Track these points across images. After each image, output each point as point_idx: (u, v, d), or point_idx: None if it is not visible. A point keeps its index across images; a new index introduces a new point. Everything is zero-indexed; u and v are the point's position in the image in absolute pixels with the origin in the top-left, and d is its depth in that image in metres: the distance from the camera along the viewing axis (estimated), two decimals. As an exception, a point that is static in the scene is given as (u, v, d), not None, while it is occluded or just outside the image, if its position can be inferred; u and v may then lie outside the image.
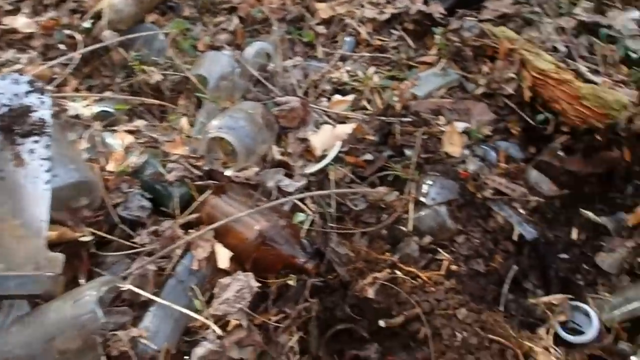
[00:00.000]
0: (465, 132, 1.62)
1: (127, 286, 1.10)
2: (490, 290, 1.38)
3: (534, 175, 1.58)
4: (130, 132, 1.45)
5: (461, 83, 1.75)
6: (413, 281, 1.36)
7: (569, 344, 1.40)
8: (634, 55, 1.79)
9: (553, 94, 1.58)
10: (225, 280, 1.15)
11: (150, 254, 1.22)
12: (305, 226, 1.34)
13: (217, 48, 1.85)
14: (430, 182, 1.46)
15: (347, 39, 1.93)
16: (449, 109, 1.67)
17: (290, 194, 1.36)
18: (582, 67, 1.69)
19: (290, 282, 1.17)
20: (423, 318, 1.25)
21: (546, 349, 1.31)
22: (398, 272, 1.36)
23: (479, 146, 1.63)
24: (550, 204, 1.53)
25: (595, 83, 1.63)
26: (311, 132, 1.54)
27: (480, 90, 1.70)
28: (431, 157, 1.56)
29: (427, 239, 1.43)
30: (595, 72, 1.72)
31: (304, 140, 1.52)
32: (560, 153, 1.55)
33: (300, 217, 1.25)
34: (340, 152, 1.54)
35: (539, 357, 1.22)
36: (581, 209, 1.51)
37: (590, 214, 1.50)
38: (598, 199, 1.57)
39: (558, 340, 1.39)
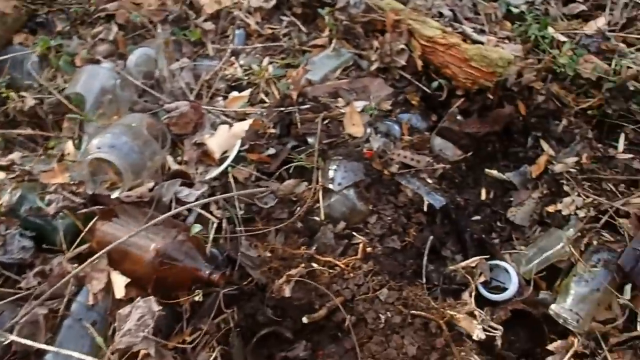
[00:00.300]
0: (366, 110, 1.61)
1: (10, 338, 0.99)
2: (410, 265, 1.36)
3: (437, 142, 1.59)
4: (1, 167, 1.31)
5: (355, 61, 1.72)
6: (331, 271, 1.32)
7: (493, 303, 1.43)
8: (515, 10, 1.83)
9: (443, 60, 1.58)
10: (124, 310, 1.06)
11: (38, 296, 1.11)
12: (211, 234, 1.27)
13: (98, 61, 1.72)
14: (335, 167, 1.42)
15: (237, 31, 1.85)
16: (347, 90, 1.65)
17: (187, 204, 1.29)
18: (468, 29, 1.71)
19: (197, 298, 1.10)
20: (341, 308, 1.22)
21: (470, 313, 1.32)
22: (315, 265, 1.32)
23: (382, 122, 1.62)
24: (456, 168, 1.54)
25: (481, 43, 1.66)
26: (208, 135, 1.46)
27: (374, 66, 1.68)
28: (334, 142, 1.52)
29: (341, 225, 1.40)
30: (481, 31, 1.75)
31: (201, 145, 1.44)
32: (459, 117, 1.57)
33: (196, 228, 1.18)
34: (241, 150, 1.47)
35: (461, 323, 1.23)
36: (486, 169, 1.54)
37: (494, 172, 1.53)
38: (501, 156, 1.60)
39: (483, 301, 1.43)
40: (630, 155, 1.52)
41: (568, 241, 1.33)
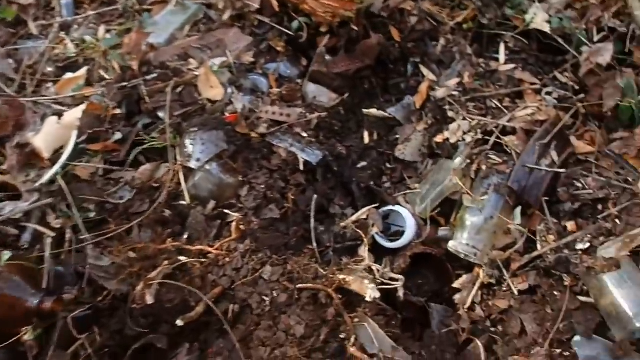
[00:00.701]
0: (223, 67, 1.41)
1: None
2: (294, 233, 1.23)
3: (310, 89, 1.42)
4: None
5: (205, 13, 1.50)
6: (204, 260, 1.17)
7: (394, 251, 1.33)
8: None
9: (299, -5, 1.39)
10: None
11: None
12: (48, 251, 1.07)
13: None
14: (191, 141, 1.24)
15: (63, 0, 1.57)
16: (199, 48, 1.43)
17: (17, 220, 1.08)
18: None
19: (27, 336, 0.92)
20: (212, 306, 1.07)
21: (368, 269, 1.22)
22: (183, 258, 1.16)
23: (246, 77, 1.43)
24: (334, 115, 1.39)
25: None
26: (33, 133, 1.23)
27: (227, 15, 1.47)
28: (190, 111, 1.32)
29: (211, 205, 1.23)
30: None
31: (26, 145, 1.21)
32: (328, 57, 1.40)
33: (5, 255, 0.98)
34: (79, 143, 1.25)
35: (352, 286, 1.12)
36: (364, 110, 1.39)
37: (374, 111, 1.39)
38: (381, 91, 1.46)
39: (384, 251, 1.33)
40: (512, 66, 1.41)
41: (455, 172, 1.23)
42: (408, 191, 1.36)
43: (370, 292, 1.09)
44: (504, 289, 1.24)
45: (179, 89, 1.35)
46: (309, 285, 1.11)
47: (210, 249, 1.15)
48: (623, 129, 1.28)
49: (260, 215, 1.21)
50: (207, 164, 1.21)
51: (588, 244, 1.16)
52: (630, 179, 1.21)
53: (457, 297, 1.27)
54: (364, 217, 1.28)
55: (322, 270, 1.15)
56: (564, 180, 1.23)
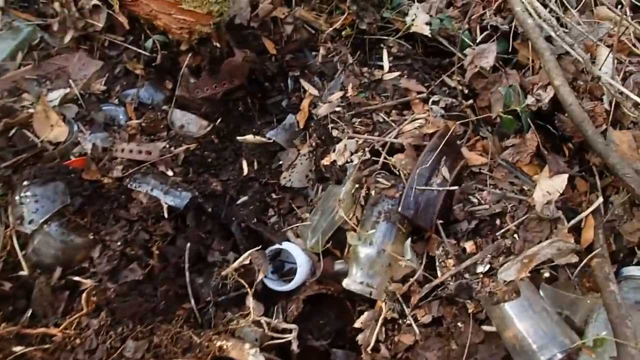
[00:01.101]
0: (68, 100, 1.19)
1: None
2: (163, 294, 1.05)
3: (177, 117, 1.24)
4: None
5: (42, 37, 1.26)
6: (48, 345, 0.97)
7: (287, 293, 1.19)
8: None
9: (149, 10, 1.19)
10: None
11: None
12: None
13: None
14: (22, 198, 1.02)
15: None
16: (34, 79, 1.20)
17: None
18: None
19: None
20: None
21: (256, 322, 1.07)
22: (19, 348, 0.95)
23: (97, 110, 1.21)
24: (206, 145, 1.22)
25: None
26: None
27: (68, 37, 1.24)
28: (25, 158, 1.10)
29: (57, 273, 1.01)
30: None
31: None
32: (192, 80, 1.22)
33: None
34: None
35: (232, 354, 0.96)
36: (238, 137, 1.23)
37: (249, 138, 1.23)
38: (259, 112, 1.30)
39: (278, 294, 1.19)
40: (397, 73, 1.30)
41: (340, 203, 1.10)
42: (298, 224, 1.22)
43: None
44: (408, 322, 1.14)
45: (11, 132, 1.12)
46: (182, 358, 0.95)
47: (54, 331, 0.95)
48: (514, 134, 1.22)
49: (119, 279, 1.01)
50: (45, 225, 1.00)
51: (488, 266, 1.07)
52: (525, 188, 1.15)
53: (360, 337, 1.15)
54: (247, 261, 1.12)
55: (196, 338, 0.98)
56: (459, 196, 1.14)
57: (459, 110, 1.24)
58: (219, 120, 1.23)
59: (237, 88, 1.21)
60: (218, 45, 1.16)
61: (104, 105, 1.22)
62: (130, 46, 1.26)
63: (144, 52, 1.25)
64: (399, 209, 1.09)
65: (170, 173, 1.13)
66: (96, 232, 1.03)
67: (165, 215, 1.07)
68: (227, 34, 1.16)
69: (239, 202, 1.19)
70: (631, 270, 0.95)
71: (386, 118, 1.24)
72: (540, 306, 0.95)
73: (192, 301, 1.07)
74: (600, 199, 1.06)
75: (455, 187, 1.12)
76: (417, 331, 1.10)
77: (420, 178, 1.10)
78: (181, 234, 1.10)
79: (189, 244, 1.09)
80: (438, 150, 1.12)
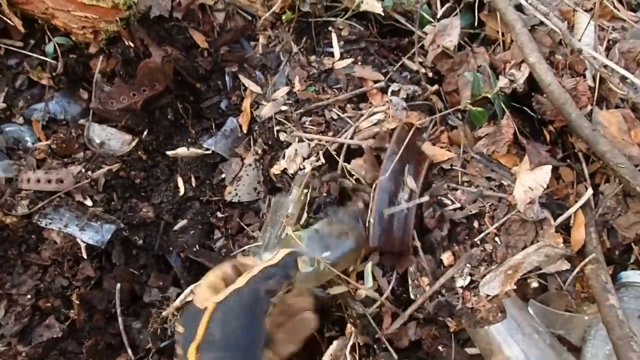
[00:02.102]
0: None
1: None
2: (91, 348, 0.90)
3: (95, 133, 1.06)
4: None
5: None
6: None
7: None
8: None
9: (45, 7, 1.00)
10: None
11: None
12: None
13: None
14: None
15: None
16: None
17: None
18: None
19: None
20: None
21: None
22: None
23: (-2, 133, 1.04)
24: (132, 163, 1.05)
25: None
26: None
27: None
28: None
29: (-45, 340, 0.87)
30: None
31: None
32: (108, 87, 1.04)
33: None
34: None
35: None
36: (168, 152, 1.06)
37: (181, 151, 1.05)
38: (193, 119, 1.13)
39: None
40: (350, 60, 1.15)
41: (288, 220, 0.96)
42: (249, 245, 1.07)
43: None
44: (384, 346, 1.02)
45: None
46: None
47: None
48: (488, 121, 1.08)
49: (32, 340, 0.86)
50: None
51: (469, 278, 0.94)
52: (504, 184, 1.01)
53: (330, 366, 1.02)
54: (190, 298, 0.97)
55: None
56: (429, 201, 1.00)
57: (423, 99, 1.10)
58: (144, 133, 1.06)
59: (162, 93, 1.03)
60: (131, 44, 0.98)
61: (5, 126, 1.04)
62: (31, 53, 1.07)
63: (49, 60, 1.07)
64: (370, 242, 0.95)
65: (89, 203, 0.96)
66: (0, 284, 0.88)
67: (84, 255, 0.91)
68: (141, 31, 0.99)
69: (176, 227, 1.03)
70: (631, 276, 0.82)
71: (341, 114, 1.08)
72: (530, 327, 0.83)
73: (129, 351, 0.93)
74: (590, 191, 0.93)
75: (425, 198, 0.98)
76: (395, 357, 0.98)
77: (384, 195, 0.96)
78: (108, 275, 0.94)
79: (118, 285, 0.94)
80: (398, 158, 0.97)
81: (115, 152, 1.04)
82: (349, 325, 1.04)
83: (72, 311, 0.90)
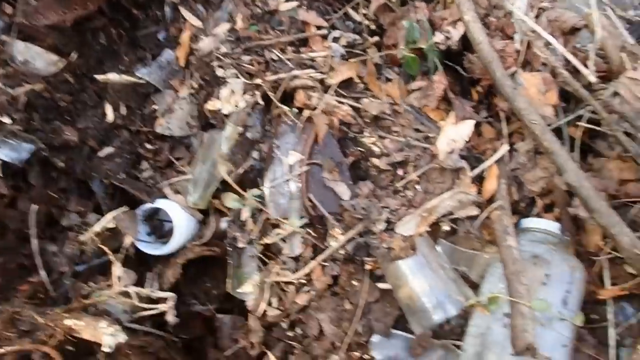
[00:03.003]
0: None
1: None
2: (2, 267, 0.88)
3: (19, 50, 1.01)
4: None
5: None
6: None
7: (165, 258, 1.07)
8: None
9: None
10: None
11: None
12: None
13: None
14: None
15: None
16: None
17: None
18: None
19: None
20: None
21: (124, 293, 0.94)
22: None
23: None
24: (58, 85, 1.02)
25: None
26: None
27: None
28: None
29: None
30: None
31: None
32: (35, 2, 1.00)
33: None
34: None
35: (84, 335, 0.83)
36: (97, 76, 1.03)
37: (112, 76, 1.03)
38: (127, 47, 1.10)
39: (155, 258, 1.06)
40: (295, 3, 1.15)
41: (221, 157, 0.97)
42: (177, 178, 1.08)
43: (108, 341, 0.82)
44: (303, 280, 1.06)
45: None
46: (15, 347, 0.80)
47: None
48: (422, 76, 1.12)
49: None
50: None
51: (385, 224, 1.00)
52: (430, 136, 1.07)
53: (249, 302, 1.06)
54: (112, 224, 0.97)
55: (40, 318, 0.84)
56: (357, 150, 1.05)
57: (362, 49, 1.12)
58: (74, 55, 1.02)
59: (95, 15, 1.00)
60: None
61: None
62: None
63: (-30, -36, 1.01)
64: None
65: (6, 120, 0.93)
66: None
67: (0, 173, 0.89)
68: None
69: (101, 154, 1.02)
70: (530, 222, 0.91)
71: (281, 56, 1.10)
72: (436, 262, 0.90)
73: (43, 273, 0.92)
74: (506, 147, 1.00)
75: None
76: (312, 292, 1.03)
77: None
78: (24, 195, 0.93)
79: (34, 206, 0.93)
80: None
81: (39, 71, 1.00)
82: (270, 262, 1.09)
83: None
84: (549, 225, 0.90)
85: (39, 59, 1.00)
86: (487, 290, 0.86)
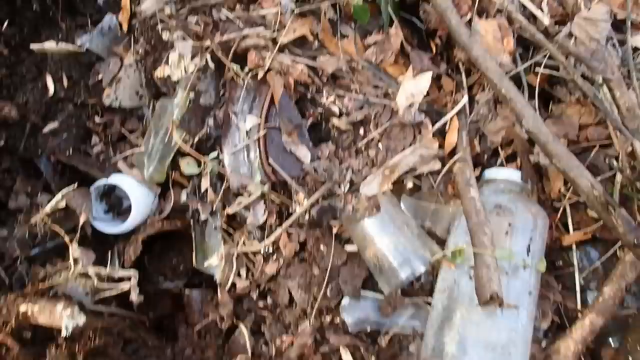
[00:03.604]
0: None
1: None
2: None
3: (-57, 22, 0.95)
4: None
5: None
6: None
7: (126, 236, 1.03)
8: None
9: None
10: None
11: None
12: None
13: None
14: None
15: None
16: None
17: None
18: None
19: None
20: None
21: (81, 274, 0.90)
22: None
23: None
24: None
25: None
26: None
27: None
28: None
29: None
30: None
31: None
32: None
33: None
34: None
35: (40, 320, 0.79)
36: (32, 45, 0.96)
37: (49, 45, 0.95)
38: (65, 13, 1.02)
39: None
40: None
41: (175, 124, 0.93)
42: (130, 151, 1.03)
43: (66, 324, 0.79)
44: (271, 249, 1.05)
45: None
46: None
47: None
48: (378, 30, 1.09)
49: None
50: None
51: (348, 185, 0.98)
52: (390, 92, 1.04)
53: (217, 275, 1.04)
54: (59, 207, 0.93)
55: (-10, 302, 0.80)
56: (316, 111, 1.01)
57: (316, 5, 1.08)
58: (4, 24, 0.95)
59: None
60: None
61: None
62: None
63: None
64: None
65: None
66: None
67: None
68: None
69: (45, 130, 0.96)
70: (493, 173, 0.90)
71: (229, 15, 1.04)
72: (401, 220, 0.89)
73: (-4, 268, 0.88)
74: (465, 98, 0.99)
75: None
76: (281, 260, 1.02)
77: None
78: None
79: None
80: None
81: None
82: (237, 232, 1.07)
83: None
84: (510, 174, 0.89)
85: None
86: (453, 244, 0.86)
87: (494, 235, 0.82)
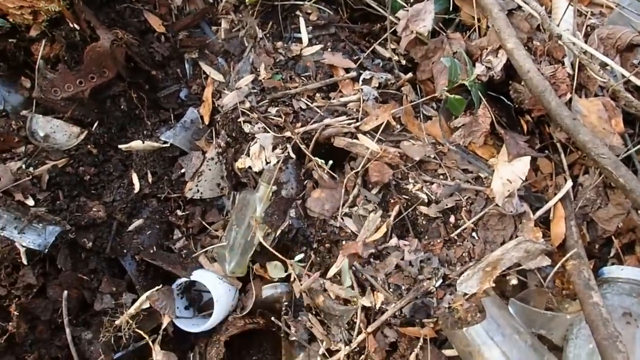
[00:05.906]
0: None
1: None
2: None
3: (39, 125, 0.95)
4: None
5: None
6: None
7: (207, 333, 0.98)
8: None
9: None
10: None
11: None
12: None
13: None
14: None
15: None
16: None
17: None
18: None
19: None
20: None
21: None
22: None
23: None
24: (80, 158, 0.95)
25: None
26: None
27: None
28: None
29: None
30: None
31: None
32: (50, 74, 0.95)
33: None
34: None
35: None
36: (120, 146, 0.98)
37: (135, 144, 0.96)
38: (149, 110, 1.03)
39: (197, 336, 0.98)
40: (319, 46, 1.08)
41: (257, 221, 0.89)
42: (212, 246, 1.00)
43: None
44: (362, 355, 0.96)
45: None
46: None
47: None
48: (464, 111, 1.03)
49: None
50: None
51: (441, 280, 0.89)
52: (482, 176, 0.97)
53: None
54: (146, 305, 0.90)
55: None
56: (402, 198, 0.95)
57: (396, 88, 1.04)
58: (94, 125, 0.97)
59: (112, 81, 0.94)
60: (76, 26, 0.90)
61: None
62: (-37, 35, 0.97)
63: (-15, 42, 0.97)
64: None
65: (30, 202, 0.87)
66: None
67: (24, 260, 0.82)
68: (86, 11, 0.90)
69: (131, 228, 0.95)
70: (613, 271, 0.79)
71: (309, 104, 1.02)
72: (510, 327, 0.79)
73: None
74: (570, 183, 0.90)
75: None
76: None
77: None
78: (53, 281, 0.86)
79: (65, 292, 0.86)
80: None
81: (61, 146, 0.95)
82: (317, 329, 0.99)
83: (9, 324, 0.81)
84: (636, 273, 0.78)
85: (60, 132, 0.95)
86: (574, 355, 0.75)
87: (627, 350, 0.71)
